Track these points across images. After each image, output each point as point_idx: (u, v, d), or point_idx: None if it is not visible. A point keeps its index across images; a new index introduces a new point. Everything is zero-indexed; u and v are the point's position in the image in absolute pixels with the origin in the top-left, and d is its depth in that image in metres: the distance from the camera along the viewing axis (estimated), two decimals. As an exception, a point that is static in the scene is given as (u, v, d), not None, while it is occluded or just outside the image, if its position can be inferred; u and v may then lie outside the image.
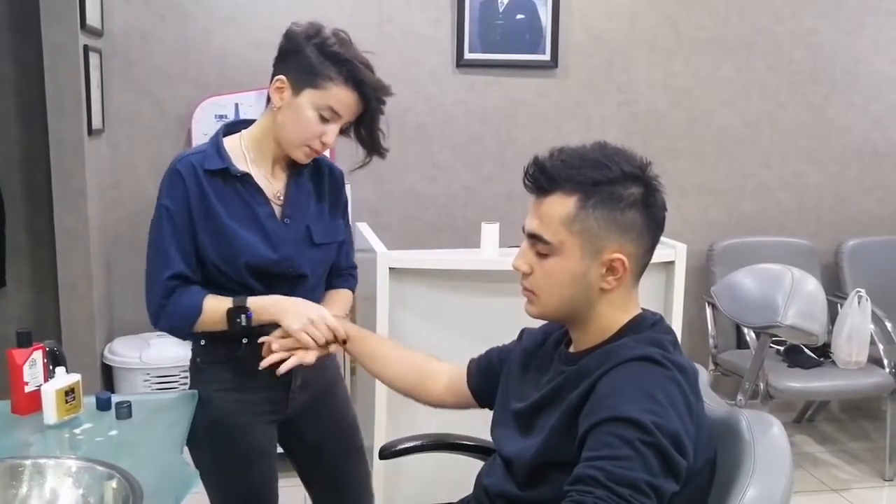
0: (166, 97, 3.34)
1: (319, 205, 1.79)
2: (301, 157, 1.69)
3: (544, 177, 1.30)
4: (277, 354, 1.64)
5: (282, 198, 1.74)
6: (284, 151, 1.70)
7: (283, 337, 1.67)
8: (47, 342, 1.87)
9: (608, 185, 1.27)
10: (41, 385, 1.74)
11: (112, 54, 3.27)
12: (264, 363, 1.65)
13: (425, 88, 3.49)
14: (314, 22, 1.67)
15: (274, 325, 1.68)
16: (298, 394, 1.82)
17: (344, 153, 1.72)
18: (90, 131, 3.02)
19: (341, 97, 1.62)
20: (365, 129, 1.69)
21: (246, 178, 1.69)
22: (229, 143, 1.73)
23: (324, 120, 1.63)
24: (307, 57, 1.62)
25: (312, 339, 1.64)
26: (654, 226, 1.32)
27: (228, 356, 1.75)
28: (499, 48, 3.52)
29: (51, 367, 1.80)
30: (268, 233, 1.69)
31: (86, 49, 2.98)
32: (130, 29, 3.28)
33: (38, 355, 1.79)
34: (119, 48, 3.29)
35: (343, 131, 1.69)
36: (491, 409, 1.56)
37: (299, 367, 1.68)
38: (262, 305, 1.67)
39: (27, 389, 1.76)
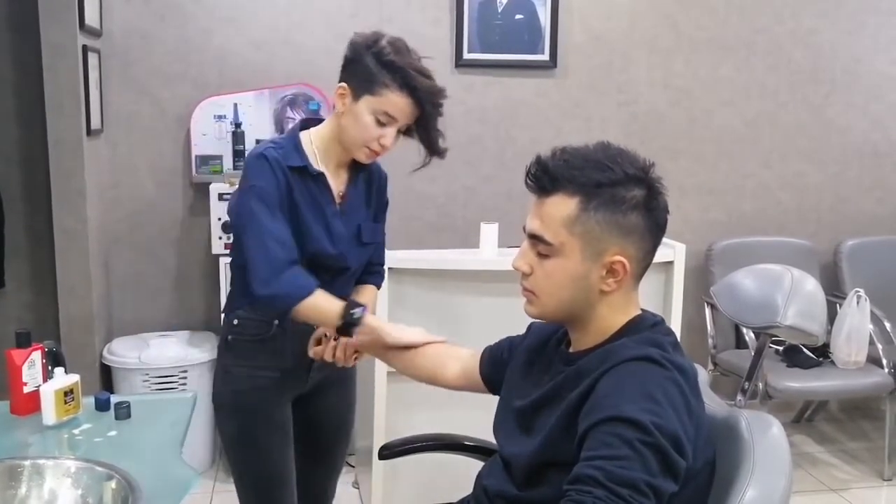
0: (165, 97, 3.34)
1: (367, 207, 1.92)
2: (363, 157, 1.79)
3: (547, 177, 1.29)
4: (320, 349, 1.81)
5: (342, 197, 1.85)
6: (348, 154, 1.81)
7: (319, 340, 1.81)
8: (46, 342, 1.87)
9: (610, 187, 1.26)
10: (40, 385, 1.75)
11: (111, 54, 3.27)
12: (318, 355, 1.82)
13: (425, 88, 3.48)
14: (376, 31, 1.76)
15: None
16: (317, 372, 1.93)
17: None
18: (89, 131, 3.02)
19: (397, 103, 1.71)
20: (422, 131, 1.77)
21: (319, 177, 1.79)
22: (302, 140, 1.82)
23: (381, 124, 1.73)
24: (366, 66, 1.71)
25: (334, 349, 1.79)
26: (655, 228, 1.31)
27: (260, 336, 1.83)
28: (498, 48, 3.51)
29: (50, 368, 1.81)
30: (331, 229, 1.81)
31: (85, 49, 2.98)
32: (129, 29, 3.28)
33: (36, 356, 1.79)
34: (118, 48, 3.29)
35: (406, 133, 1.78)
36: (499, 395, 1.58)
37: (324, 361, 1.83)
38: (370, 315, 1.77)
39: (26, 390, 1.76)
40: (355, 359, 1.83)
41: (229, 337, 1.87)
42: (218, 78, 3.35)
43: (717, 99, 3.76)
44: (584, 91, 3.64)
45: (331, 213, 1.81)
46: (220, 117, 3.29)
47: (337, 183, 1.84)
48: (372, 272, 2.01)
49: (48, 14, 2.89)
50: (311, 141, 1.81)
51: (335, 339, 1.78)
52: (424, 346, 1.74)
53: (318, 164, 1.80)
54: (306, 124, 1.86)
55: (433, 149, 1.80)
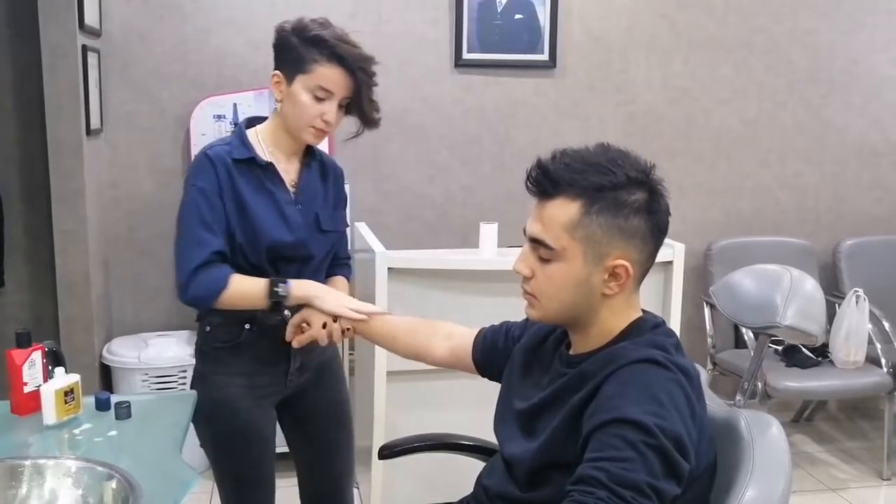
0: (164, 97, 3.34)
1: (325, 197, 1.92)
2: (310, 139, 1.81)
3: (547, 181, 1.29)
4: (306, 336, 1.78)
5: (295, 186, 1.86)
6: (296, 143, 1.84)
7: (298, 326, 1.78)
8: (46, 342, 1.87)
9: (612, 190, 1.26)
10: (40, 385, 1.74)
11: (110, 54, 3.27)
12: (293, 340, 1.80)
13: (424, 88, 3.49)
14: (299, 17, 1.78)
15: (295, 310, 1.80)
16: (296, 375, 1.92)
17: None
18: (88, 131, 3.02)
19: (328, 75, 1.73)
20: (357, 101, 1.78)
21: (268, 167, 1.81)
22: (248, 135, 1.84)
23: (318, 100, 1.75)
24: (294, 47, 1.75)
25: (330, 333, 1.78)
26: (657, 231, 1.31)
27: (232, 341, 1.83)
28: (497, 48, 3.52)
29: (50, 368, 1.80)
30: (286, 217, 1.81)
31: (84, 49, 2.98)
32: (129, 29, 3.28)
33: (37, 355, 1.79)
34: (117, 48, 3.29)
35: (348, 112, 1.80)
36: (491, 379, 1.60)
37: (309, 346, 1.83)
38: (300, 282, 1.77)
39: (26, 390, 1.76)
40: (344, 333, 1.80)
41: (203, 345, 1.87)
42: (217, 78, 3.35)
43: (715, 99, 3.76)
44: (583, 91, 3.64)
45: (284, 200, 1.81)
46: (219, 117, 3.29)
47: (289, 172, 1.85)
48: (339, 265, 2.03)
49: (48, 14, 2.89)
50: (257, 135, 1.84)
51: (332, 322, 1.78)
52: (362, 318, 1.74)
53: (265, 155, 1.81)
54: (251, 123, 1.88)
55: (367, 120, 1.81)
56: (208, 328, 1.86)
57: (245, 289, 1.74)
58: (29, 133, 3.26)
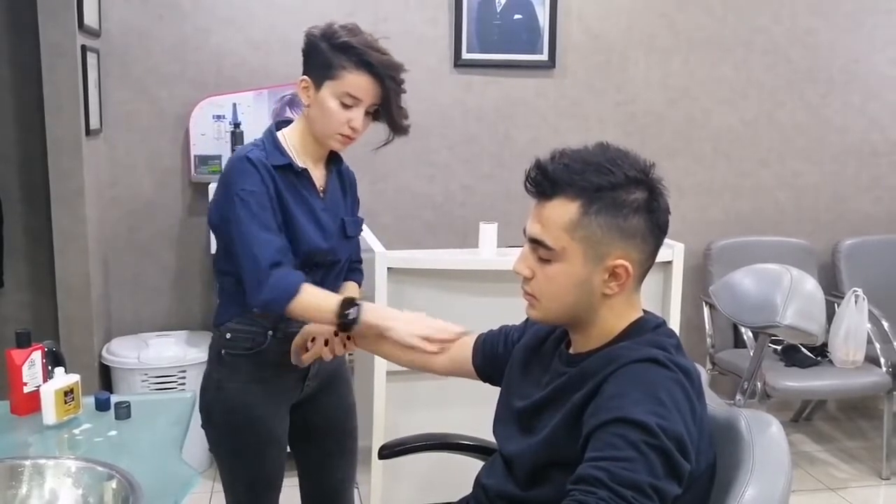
0: (164, 97, 3.34)
1: (346, 202, 1.93)
2: (337, 145, 1.80)
3: (546, 181, 1.28)
4: (310, 354, 1.77)
5: (324, 192, 1.86)
6: (323, 147, 1.83)
7: (302, 346, 1.77)
8: (46, 342, 1.87)
9: (611, 190, 1.25)
10: (40, 385, 1.75)
11: (109, 54, 3.27)
12: (301, 358, 1.79)
13: (423, 88, 3.49)
14: (328, 22, 1.77)
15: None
16: (313, 381, 1.93)
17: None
18: (88, 131, 3.02)
19: (357, 81, 1.71)
20: (385, 109, 1.77)
21: (303, 173, 1.80)
22: (279, 139, 1.82)
23: (346, 107, 1.73)
24: (322, 53, 1.73)
25: (332, 349, 1.76)
26: (657, 230, 1.30)
27: (255, 348, 1.82)
28: (496, 48, 3.52)
29: (49, 368, 1.81)
30: (321, 223, 1.81)
31: (83, 49, 2.98)
32: (128, 28, 3.28)
33: (36, 356, 1.80)
34: (117, 48, 3.28)
35: (375, 118, 1.78)
36: (492, 384, 1.59)
37: (318, 360, 1.81)
38: (372, 308, 1.73)
39: (26, 390, 1.76)
40: (345, 346, 1.79)
41: (223, 351, 1.83)
42: (216, 77, 3.35)
43: (715, 98, 3.76)
44: (583, 91, 3.64)
45: (319, 207, 1.82)
46: (218, 117, 3.29)
47: (318, 178, 1.84)
48: (353, 269, 2.01)
49: (47, 14, 2.89)
50: (286, 139, 1.81)
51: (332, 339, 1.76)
52: (435, 350, 1.65)
53: (298, 160, 1.80)
54: (279, 126, 1.85)
55: (396, 127, 1.80)
56: (229, 335, 1.82)
57: (317, 302, 1.70)
58: (28, 133, 3.26)
